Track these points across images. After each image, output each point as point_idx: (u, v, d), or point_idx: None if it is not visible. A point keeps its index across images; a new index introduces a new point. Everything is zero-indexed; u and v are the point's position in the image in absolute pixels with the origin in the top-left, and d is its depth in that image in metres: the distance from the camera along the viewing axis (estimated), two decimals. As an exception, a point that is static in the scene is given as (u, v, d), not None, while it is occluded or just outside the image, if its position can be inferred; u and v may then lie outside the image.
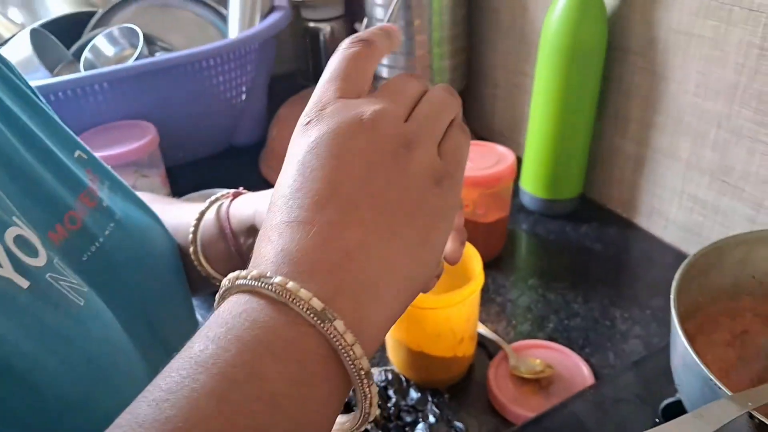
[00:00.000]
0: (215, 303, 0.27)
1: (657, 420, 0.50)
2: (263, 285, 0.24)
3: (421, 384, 0.61)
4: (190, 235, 0.44)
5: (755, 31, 0.62)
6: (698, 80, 0.69)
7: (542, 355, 0.63)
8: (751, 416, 0.37)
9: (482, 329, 0.66)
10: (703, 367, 0.40)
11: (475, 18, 0.98)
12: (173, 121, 0.90)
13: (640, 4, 0.72)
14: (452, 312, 0.57)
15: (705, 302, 0.51)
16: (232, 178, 0.88)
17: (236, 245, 0.44)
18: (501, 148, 0.76)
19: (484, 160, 0.74)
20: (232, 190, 0.46)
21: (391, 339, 0.61)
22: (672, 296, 0.45)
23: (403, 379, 0.60)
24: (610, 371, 0.61)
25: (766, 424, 0.36)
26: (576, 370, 0.61)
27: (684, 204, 0.75)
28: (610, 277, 0.74)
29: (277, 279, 0.24)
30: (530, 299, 0.71)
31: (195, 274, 0.45)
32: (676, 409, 0.47)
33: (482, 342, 0.66)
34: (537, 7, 0.86)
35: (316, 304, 0.24)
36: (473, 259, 0.60)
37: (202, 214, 0.45)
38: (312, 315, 0.24)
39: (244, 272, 0.25)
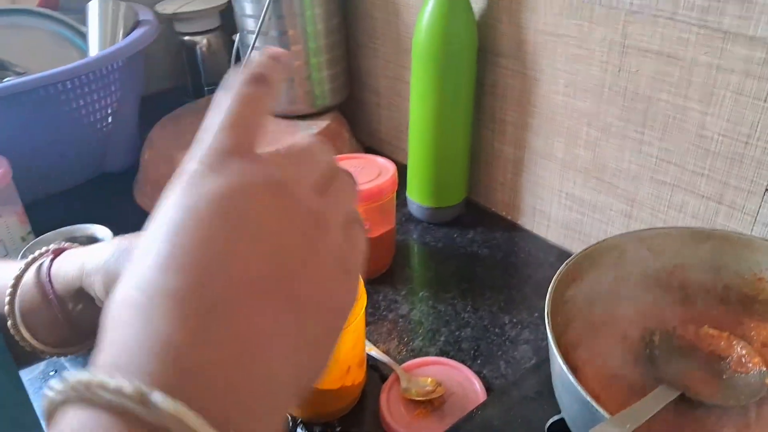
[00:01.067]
0: (45, 412, 0.19)
1: (545, 438, 0.47)
2: (138, 406, 0.17)
3: (310, 419, 0.55)
4: (6, 306, 0.36)
5: (616, 28, 0.61)
6: (567, 80, 0.68)
7: (434, 372, 0.59)
8: (631, 438, 0.35)
9: (373, 351, 0.61)
10: (581, 390, 0.37)
11: (351, 25, 0.93)
12: (30, 152, 0.80)
13: (506, 6, 0.70)
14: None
15: (584, 309, 0.49)
16: (103, 209, 0.79)
17: (63, 312, 0.37)
18: (381, 160, 0.71)
19: (365, 173, 0.69)
20: (52, 247, 0.38)
21: (273, 375, 0.56)
22: (546, 311, 0.42)
23: (289, 418, 0.55)
24: (502, 382, 0.58)
25: (645, 447, 0.34)
26: (467, 384, 0.57)
27: (563, 203, 0.74)
28: (498, 281, 0.72)
29: (160, 399, 0.18)
30: (421, 313, 0.68)
31: (19, 345, 0.38)
32: (562, 427, 0.44)
33: (374, 365, 0.61)
34: (408, 12, 0.82)
35: None
36: (354, 282, 0.55)
37: (18, 279, 0.37)
38: None
39: (98, 377, 0.18)
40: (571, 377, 0.37)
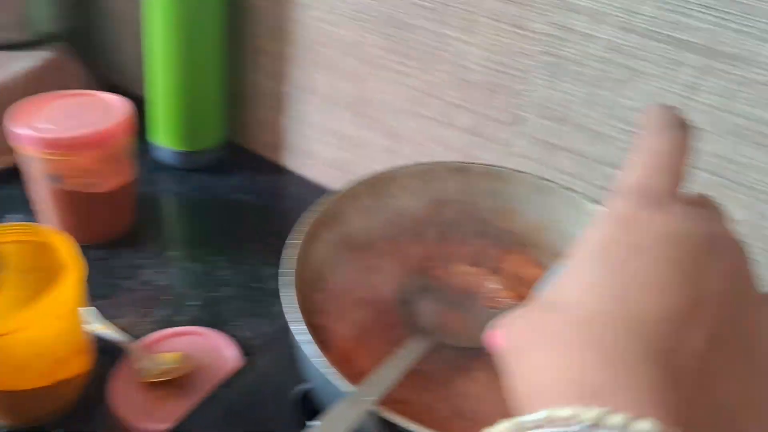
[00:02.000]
0: None
1: (297, 413, 0.40)
2: None
3: (20, 426, 0.42)
4: None
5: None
6: (330, 5, 0.59)
7: (181, 345, 0.49)
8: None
9: (102, 330, 0.49)
10: (320, 364, 0.30)
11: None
12: None
13: None
14: (37, 333, 0.39)
15: (335, 258, 0.42)
16: None
17: None
18: (111, 97, 0.57)
19: (90, 114, 0.54)
20: None
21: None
22: (285, 269, 0.35)
23: (-22, 431, 0.41)
24: (261, 342, 0.50)
25: (389, 422, 0.28)
26: (217, 353, 0.48)
27: (328, 141, 0.66)
28: (263, 231, 0.63)
29: None
30: (170, 276, 0.56)
31: None
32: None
33: (105, 347, 0.49)
34: None
35: None
36: (59, 249, 0.42)
37: None
38: None
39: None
40: (308, 349, 0.30)
